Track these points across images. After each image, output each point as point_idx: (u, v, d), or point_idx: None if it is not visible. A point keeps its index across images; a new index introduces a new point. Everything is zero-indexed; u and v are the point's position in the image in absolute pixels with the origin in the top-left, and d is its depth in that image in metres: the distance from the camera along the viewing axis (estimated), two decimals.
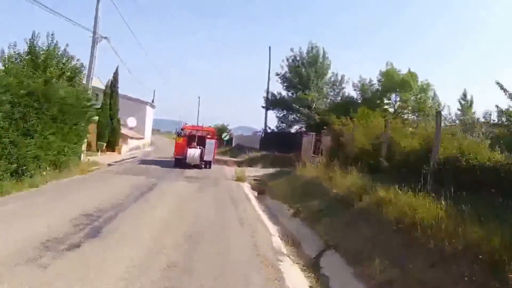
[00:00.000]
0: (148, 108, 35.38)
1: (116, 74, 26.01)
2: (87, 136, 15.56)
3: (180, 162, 18.10)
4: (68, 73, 16.41)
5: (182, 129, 21.17)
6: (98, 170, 15.08)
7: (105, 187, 10.35)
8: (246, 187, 13.83)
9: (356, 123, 13.52)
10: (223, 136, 42.19)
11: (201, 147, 18.69)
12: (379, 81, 24.79)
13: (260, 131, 30.59)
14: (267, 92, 28.51)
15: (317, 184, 10.30)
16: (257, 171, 18.29)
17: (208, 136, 19.63)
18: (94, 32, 16.11)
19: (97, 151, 23.82)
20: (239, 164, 22.30)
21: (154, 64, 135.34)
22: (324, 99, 24.03)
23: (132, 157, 23.46)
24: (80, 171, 13.70)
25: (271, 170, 18.14)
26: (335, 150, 13.98)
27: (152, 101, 39.10)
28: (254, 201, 11.00)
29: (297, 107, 23.96)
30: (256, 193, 13.31)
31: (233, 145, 42.17)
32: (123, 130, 28.02)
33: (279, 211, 10.01)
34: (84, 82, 16.85)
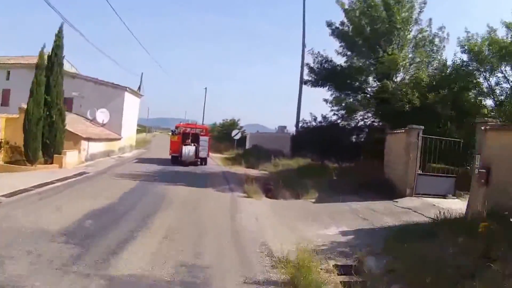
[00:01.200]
0: (129, 96, 25.16)
1: (59, 37, 15.67)
2: None
3: (176, 160, 18.28)
4: None
5: (176, 127, 20.44)
6: None
7: None
8: None
9: None
10: (233, 134, 32.01)
11: (195, 144, 18.61)
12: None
13: (299, 126, 19.78)
14: (303, 59, 18.04)
15: None
16: (325, 222, 7.71)
17: (202, 133, 19.41)
18: None
19: (30, 162, 13.93)
20: (265, 186, 11.69)
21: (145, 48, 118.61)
22: (410, 65, 13.19)
23: (80, 174, 13.38)
24: None
25: (356, 211, 7.67)
26: None
27: (139, 88, 29.00)
28: None
29: (367, 80, 13.28)
30: None
31: (247, 146, 31.77)
32: (80, 128, 17.92)
33: None
34: None
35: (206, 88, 59.76)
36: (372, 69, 13.48)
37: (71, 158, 15.57)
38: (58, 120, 15.04)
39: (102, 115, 22.69)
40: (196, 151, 18.32)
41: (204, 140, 18.92)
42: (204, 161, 18.89)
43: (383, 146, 12.00)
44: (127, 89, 24.00)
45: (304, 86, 18.34)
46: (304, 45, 19.53)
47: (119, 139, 23.10)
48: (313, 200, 9.72)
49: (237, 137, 31.92)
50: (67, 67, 25.86)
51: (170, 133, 22.93)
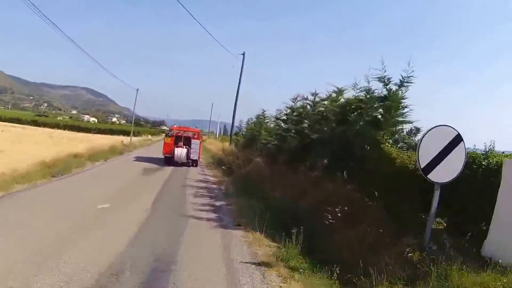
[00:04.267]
0: None
1: None
2: None
3: (169, 160, 19.64)
4: None
5: (170, 130, 22.37)
6: None
7: None
8: None
9: None
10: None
11: (187, 146, 20.08)
12: None
13: None
14: None
15: None
16: None
17: (194, 137, 20.45)
18: None
19: None
20: None
21: None
22: None
23: None
24: None
25: None
26: None
27: None
28: None
29: None
30: None
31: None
32: None
33: None
34: None
35: (244, 53, 30.09)
36: None
37: None
38: None
39: None
40: (188, 153, 19.68)
41: (195, 143, 20.06)
42: (195, 162, 20.16)
43: None
44: None
45: None
46: None
47: None
48: None
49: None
50: None
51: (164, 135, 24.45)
